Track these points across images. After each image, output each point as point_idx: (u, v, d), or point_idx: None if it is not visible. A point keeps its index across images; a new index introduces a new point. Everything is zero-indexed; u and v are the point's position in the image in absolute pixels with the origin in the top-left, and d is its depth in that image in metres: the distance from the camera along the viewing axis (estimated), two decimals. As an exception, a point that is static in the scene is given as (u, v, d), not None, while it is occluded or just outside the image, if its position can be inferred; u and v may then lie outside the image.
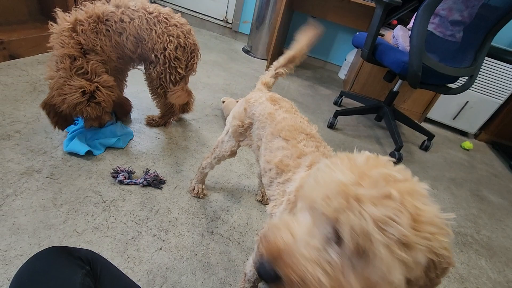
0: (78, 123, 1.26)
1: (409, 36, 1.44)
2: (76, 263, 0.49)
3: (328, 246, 0.34)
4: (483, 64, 2.10)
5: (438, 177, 1.77)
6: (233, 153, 0.94)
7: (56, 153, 1.14)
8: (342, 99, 2.29)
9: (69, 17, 1.10)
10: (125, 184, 1.09)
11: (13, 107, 1.30)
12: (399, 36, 1.72)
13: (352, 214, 0.31)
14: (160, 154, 1.29)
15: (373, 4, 2.11)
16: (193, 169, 1.25)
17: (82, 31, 1.07)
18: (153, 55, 1.18)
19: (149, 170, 1.16)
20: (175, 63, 1.20)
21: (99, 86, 1.09)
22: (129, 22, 1.11)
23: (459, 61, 1.55)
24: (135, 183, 1.10)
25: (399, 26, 1.79)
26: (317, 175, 0.37)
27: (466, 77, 1.64)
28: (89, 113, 1.09)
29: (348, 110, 2.00)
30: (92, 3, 1.13)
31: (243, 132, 0.85)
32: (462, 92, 1.67)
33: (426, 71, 1.47)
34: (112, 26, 1.10)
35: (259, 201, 1.19)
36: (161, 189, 1.12)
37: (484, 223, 1.47)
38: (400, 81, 1.86)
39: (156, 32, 1.14)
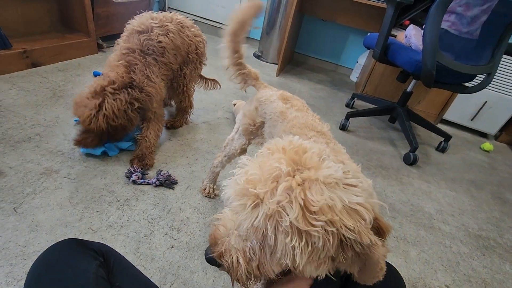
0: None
1: (422, 35, 1.42)
2: (90, 254, 0.51)
3: (251, 237, 0.39)
4: (503, 62, 2.04)
5: (457, 179, 1.70)
6: (243, 151, 0.94)
7: (74, 154, 1.18)
8: (354, 101, 2.27)
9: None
10: (139, 184, 1.11)
11: (34, 111, 1.36)
12: (411, 35, 1.69)
13: (249, 212, 0.36)
14: (172, 156, 1.31)
15: (384, 5, 2.09)
16: (204, 170, 1.26)
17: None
18: (189, 57, 1.32)
19: (161, 171, 1.18)
20: (202, 58, 1.41)
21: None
22: (165, 39, 1.16)
23: (476, 59, 1.50)
24: (148, 183, 1.12)
25: (411, 25, 1.76)
26: (236, 172, 0.42)
27: (484, 75, 1.59)
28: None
29: (361, 112, 1.98)
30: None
31: (254, 131, 0.85)
32: (479, 90, 1.62)
33: (441, 70, 1.44)
34: (155, 51, 1.15)
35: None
36: (173, 189, 1.14)
37: (508, 227, 1.40)
38: (414, 81, 1.83)
39: (187, 36, 1.26)
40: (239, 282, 0.43)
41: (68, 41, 1.88)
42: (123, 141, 1.27)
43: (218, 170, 1.07)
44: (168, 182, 1.13)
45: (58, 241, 0.51)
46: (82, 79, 1.72)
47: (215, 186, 1.14)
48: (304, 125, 0.68)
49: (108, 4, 2.09)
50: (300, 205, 0.34)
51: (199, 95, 1.86)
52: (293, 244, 0.34)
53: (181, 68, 1.33)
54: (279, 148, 0.41)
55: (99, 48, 2.12)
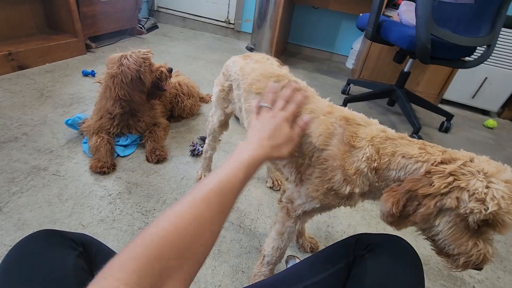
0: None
1: (415, 9, 1.37)
2: (68, 244, 0.45)
3: None
4: (502, 35, 1.98)
5: (462, 157, 1.65)
6: (222, 124, 0.91)
7: (62, 152, 1.13)
8: (349, 87, 2.22)
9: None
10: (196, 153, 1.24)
11: (21, 112, 1.31)
12: (402, 12, 1.64)
13: None
14: (166, 147, 1.27)
15: (375, -14, 2.05)
16: (199, 160, 1.22)
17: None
18: None
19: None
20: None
21: None
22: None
23: (475, 30, 1.45)
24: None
25: (403, 1, 1.71)
26: None
27: (483, 48, 1.54)
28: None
29: (358, 96, 1.93)
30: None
31: (225, 97, 0.82)
32: (479, 64, 1.56)
33: (437, 45, 1.39)
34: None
35: (270, 187, 1.13)
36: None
37: (518, 201, 1.35)
38: (410, 60, 1.78)
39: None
40: None
41: (55, 42, 1.83)
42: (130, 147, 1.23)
43: (209, 154, 1.03)
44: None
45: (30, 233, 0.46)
46: (71, 79, 1.68)
47: (211, 175, 1.09)
48: (263, 76, 0.64)
49: (94, 3, 2.05)
50: None
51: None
52: None
53: None
54: None
55: (88, 48, 2.08)
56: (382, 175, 0.49)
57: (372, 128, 0.53)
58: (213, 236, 0.34)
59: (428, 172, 0.42)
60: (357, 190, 0.51)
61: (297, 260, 0.80)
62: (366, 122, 0.55)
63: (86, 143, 1.16)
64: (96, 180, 1.03)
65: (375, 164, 0.49)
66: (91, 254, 0.48)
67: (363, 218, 1.08)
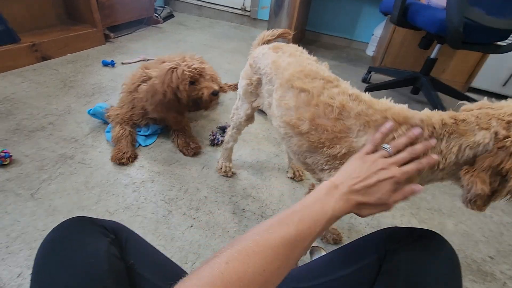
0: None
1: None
2: (100, 231, 0.46)
3: None
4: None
5: (491, 148, 1.57)
6: (248, 118, 0.89)
7: (87, 141, 1.16)
8: (370, 76, 2.14)
9: None
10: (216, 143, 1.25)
11: (46, 102, 1.35)
12: (433, -6, 1.55)
13: None
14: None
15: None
16: (219, 150, 1.22)
17: None
18: None
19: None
20: None
21: None
22: None
23: (510, 11, 1.35)
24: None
25: (433, -17, 1.61)
26: None
27: (519, 31, 1.43)
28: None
29: (379, 85, 1.86)
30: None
31: (254, 91, 0.79)
32: (515, 48, 1.46)
33: (469, 28, 1.31)
34: None
35: (291, 178, 1.12)
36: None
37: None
38: (438, 46, 1.68)
39: None
40: None
41: (75, 32, 1.86)
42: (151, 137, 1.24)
43: (230, 145, 1.02)
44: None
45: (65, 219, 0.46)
46: (91, 69, 1.70)
47: (231, 165, 1.09)
48: (304, 74, 0.59)
49: (111, -8, 2.05)
50: None
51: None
52: None
53: None
54: None
55: (106, 38, 2.10)
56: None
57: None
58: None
59: (502, 147, 0.41)
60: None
61: (323, 252, 0.79)
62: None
63: (109, 131, 1.18)
64: (120, 168, 1.05)
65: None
66: (122, 241, 0.48)
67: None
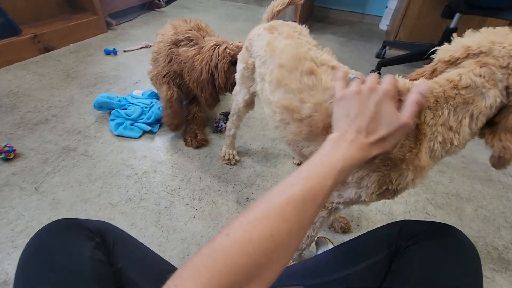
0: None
1: None
2: (85, 234, 0.43)
3: None
4: None
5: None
6: (247, 104, 0.83)
7: (89, 132, 1.15)
8: (385, 50, 2.00)
9: None
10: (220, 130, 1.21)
11: (49, 94, 1.34)
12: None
13: None
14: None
15: None
16: (222, 137, 1.18)
17: None
18: None
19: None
20: None
21: None
22: None
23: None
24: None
25: None
26: None
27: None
28: None
29: (394, 59, 1.73)
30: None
31: (250, 75, 0.74)
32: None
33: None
34: None
35: (298, 164, 1.08)
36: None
37: None
38: (457, 15, 1.54)
39: None
40: None
41: (76, 21, 1.83)
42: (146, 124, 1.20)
43: (232, 132, 0.98)
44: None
45: (50, 222, 0.44)
46: (94, 58, 1.68)
47: (234, 152, 1.05)
48: (305, 58, 0.52)
49: (110, -23, 1.98)
50: None
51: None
52: None
53: None
54: None
55: (108, 26, 2.05)
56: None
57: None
58: (288, 252, 0.29)
59: None
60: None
61: (329, 245, 0.74)
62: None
63: (113, 120, 1.16)
64: (122, 159, 1.04)
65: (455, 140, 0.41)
66: (109, 244, 0.46)
67: (399, 196, 0.99)
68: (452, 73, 0.42)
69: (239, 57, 0.78)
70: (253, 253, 0.25)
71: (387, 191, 0.46)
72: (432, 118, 0.41)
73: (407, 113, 0.37)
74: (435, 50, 0.49)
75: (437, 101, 0.41)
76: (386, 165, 0.44)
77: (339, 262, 0.50)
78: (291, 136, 0.54)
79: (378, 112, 0.36)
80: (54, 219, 0.79)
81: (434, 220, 0.90)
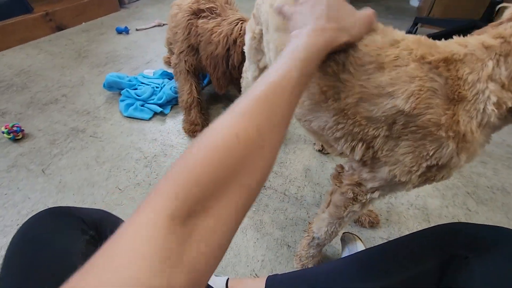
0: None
1: None
2: (78, 227, 0.38)
3: None
4: None
5: None
6: None
7: (99, 113, 1.09)
8: (417, 28, 1.81)
9: None
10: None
11: (60, 73, 1.30)
12: None
13: None
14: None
15: None
16: (238, 120, 1.10)
17: None
18: None
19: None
20: None
21: None
22: None
23: None
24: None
25: None
26: None
27: None
28: None
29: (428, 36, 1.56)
30: None
31: (258, 46, 0.63)
32: None
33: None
34: None
35: (319, 150, 0.98)
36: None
37: None
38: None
39: None
40: None
41: (88, -1, 1.77)
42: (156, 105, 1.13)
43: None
44: None
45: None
46: (106, 37, 1.62)
47: (250, 136, 0.97)
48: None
49: (122, -49, 1.89)
50: None
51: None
52: None
53: None
54: None
55: (121, 4, 1.98)
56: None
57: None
58: (263, 154, 0.25)
59: None
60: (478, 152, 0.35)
61: (358, 243, 0.64)
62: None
63: (123, 100, 1.11)
64: (131, 142, 0.98)
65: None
66: (106, 236, 0.40)
67: (435, 188, 0.88)
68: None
69: (246, 27, 0.68)
70: (222, 157, 0.22)
71: (428, 170, 0.36)
72: (469, 73, 0.31)
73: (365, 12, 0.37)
74: (478, 26, 0.39)
75: (472, 54, 0.32)
76: (414, 132, 0.34)
77: (376, 268, 0.41)
78: (297, 110, 0.46)
79: (334, 5, 0.34)
80: (61, 203, 0.73)
81: (477, 218, 0.79)
